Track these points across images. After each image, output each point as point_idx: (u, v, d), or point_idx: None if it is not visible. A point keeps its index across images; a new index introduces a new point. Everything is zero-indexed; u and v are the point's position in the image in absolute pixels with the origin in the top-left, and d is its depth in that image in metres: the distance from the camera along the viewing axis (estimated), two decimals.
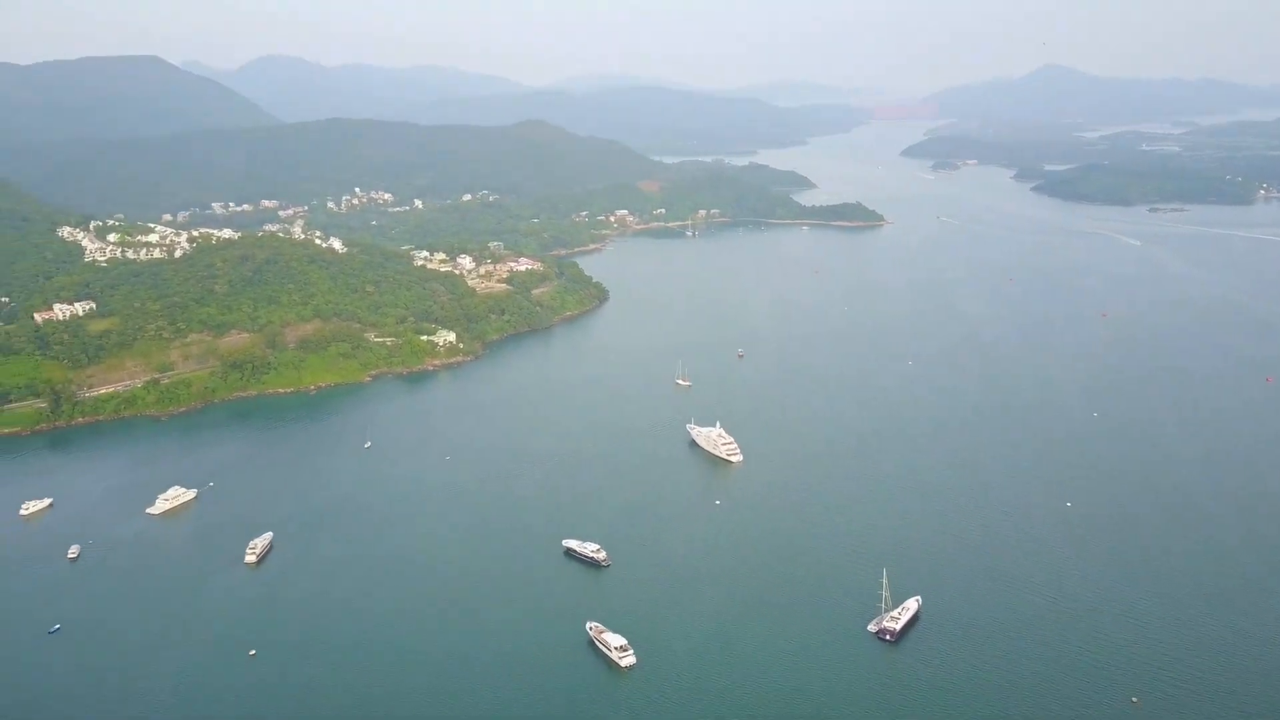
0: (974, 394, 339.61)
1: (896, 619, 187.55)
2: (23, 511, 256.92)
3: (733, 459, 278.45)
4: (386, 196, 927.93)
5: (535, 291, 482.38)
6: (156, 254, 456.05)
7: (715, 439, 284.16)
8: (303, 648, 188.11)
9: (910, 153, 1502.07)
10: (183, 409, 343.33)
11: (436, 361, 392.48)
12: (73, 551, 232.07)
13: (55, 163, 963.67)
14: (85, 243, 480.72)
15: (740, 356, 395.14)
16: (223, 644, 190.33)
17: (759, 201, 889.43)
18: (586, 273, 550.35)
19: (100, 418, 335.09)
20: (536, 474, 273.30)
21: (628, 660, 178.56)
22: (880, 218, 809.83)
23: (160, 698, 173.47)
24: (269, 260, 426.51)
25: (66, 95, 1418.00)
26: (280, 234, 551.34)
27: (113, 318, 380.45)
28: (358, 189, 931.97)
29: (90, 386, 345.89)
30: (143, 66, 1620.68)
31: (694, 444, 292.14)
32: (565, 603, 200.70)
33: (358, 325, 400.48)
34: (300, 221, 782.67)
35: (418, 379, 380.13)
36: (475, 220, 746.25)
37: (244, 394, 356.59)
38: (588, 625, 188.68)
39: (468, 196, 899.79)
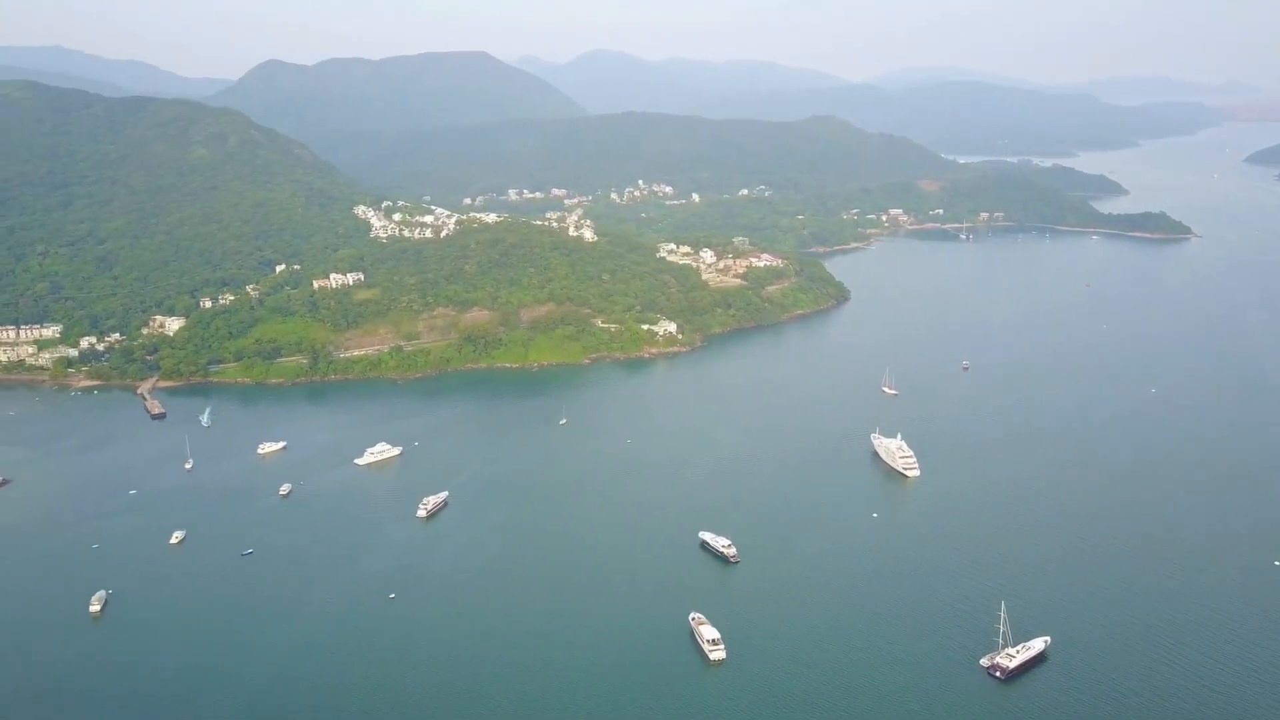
0: (1215, 436, 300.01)
1: (1012, 656, 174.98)
2: (260, 451, 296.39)
3: (909, 473, 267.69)
4: (667, 189, 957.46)
5: (769, 288, 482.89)
6: (428, 234, 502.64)
7: (894, 451, 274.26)
8: (434, 599, 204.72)
9: (1258, 159, 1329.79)
10: (419, 375, 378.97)
11: (654, 350, 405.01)
12: (284, 489, 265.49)
13: (384, 148, 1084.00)
14: (373, 220, 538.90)
15: (965, 368, 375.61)
16: (371, 584, 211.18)
17: (1049, 207, 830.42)
18: (839, 272, 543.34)
19: (349, 377, 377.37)
20: (705, 464, 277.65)
21: (717, 655, 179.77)
22: (1186, 229, 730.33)
23: (303, 620, 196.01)
24: (516, 245, 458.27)
25: (407, 87, 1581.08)
26: (542, 222, 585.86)
27: (375, 289, 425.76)
28: (641, 181, 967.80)
29: (346, 348, 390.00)
30: (474, 62, 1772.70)
31: (876, 454, 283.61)
32: (681, 591, 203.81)
33: (587, 311, 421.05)
34: (578, 210, 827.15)
35: (633, 365, 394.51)
36: (739, 215, 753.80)
37: (474, 366, 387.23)
38: (691, 616, 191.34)
39: (744, 191, 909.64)
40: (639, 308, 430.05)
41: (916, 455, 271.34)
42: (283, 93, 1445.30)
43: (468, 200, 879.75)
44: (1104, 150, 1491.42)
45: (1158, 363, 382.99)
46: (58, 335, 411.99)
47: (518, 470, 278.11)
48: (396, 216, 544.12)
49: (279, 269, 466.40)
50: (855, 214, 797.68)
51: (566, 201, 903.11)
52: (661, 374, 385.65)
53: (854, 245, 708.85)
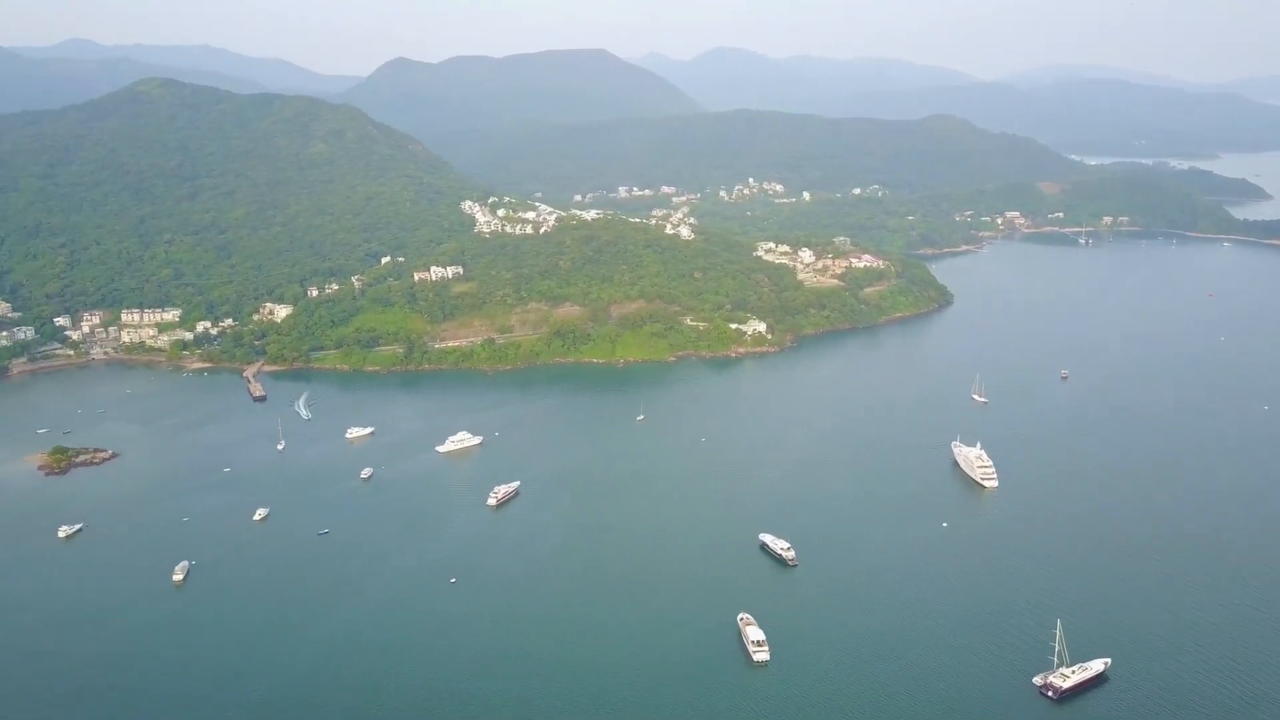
0: None
1: (1066, 676, 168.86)
2: (348, 435, 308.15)
3: (986, 484, 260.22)
4: (778, 187, 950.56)
5: (867, 290, 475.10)
6: (528, 230, 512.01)
7: (973, 460, 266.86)
8: (493, 586, 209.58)
9: None
10: (508, 367, 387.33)
11: (741, 349, 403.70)
12: (365, 473, 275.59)
13: (502, 144, 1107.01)
14: (478, 216, 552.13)
15: (1064, 378, 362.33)
16: (435, 568, 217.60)
17: (1180, 211, 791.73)
18: (946, 274, 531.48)
19: (442, 367, 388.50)
20: (776, 466, 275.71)
21: (760, 656, 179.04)
22: None
23: (365, 598, 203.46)
24: (610, 242, 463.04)
25: (527, 85, 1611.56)
26: (641, 220, 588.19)
27: (472, 282, 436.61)
28: (751, 179, 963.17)
29: (441, 339, 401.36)
30: (594, 60, 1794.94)
31: (956, 464, 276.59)
32: (734, 591, 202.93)
33: (676, 308, 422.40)
34: (684, 208, 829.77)
35: (719, 364, 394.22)
36: (848, 214, 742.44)
37: (562, 360, 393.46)
38: (739, 616, 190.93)
39: (857, 190, 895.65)
40: (729, 306, 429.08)
41: (997, 466, 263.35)
42: (408, 89, 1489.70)
43: (578, 197, 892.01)
44: (1250, 153, 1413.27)
45: (1277, 379, 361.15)
46: (176, 319, 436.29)
47: (589, 464, 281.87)
48: (500, 212, 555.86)
49: (384, 261, 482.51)
50: (969, 215, 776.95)
51: (675, 199, 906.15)
52: (746, 374, 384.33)
53: (965, 248, 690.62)
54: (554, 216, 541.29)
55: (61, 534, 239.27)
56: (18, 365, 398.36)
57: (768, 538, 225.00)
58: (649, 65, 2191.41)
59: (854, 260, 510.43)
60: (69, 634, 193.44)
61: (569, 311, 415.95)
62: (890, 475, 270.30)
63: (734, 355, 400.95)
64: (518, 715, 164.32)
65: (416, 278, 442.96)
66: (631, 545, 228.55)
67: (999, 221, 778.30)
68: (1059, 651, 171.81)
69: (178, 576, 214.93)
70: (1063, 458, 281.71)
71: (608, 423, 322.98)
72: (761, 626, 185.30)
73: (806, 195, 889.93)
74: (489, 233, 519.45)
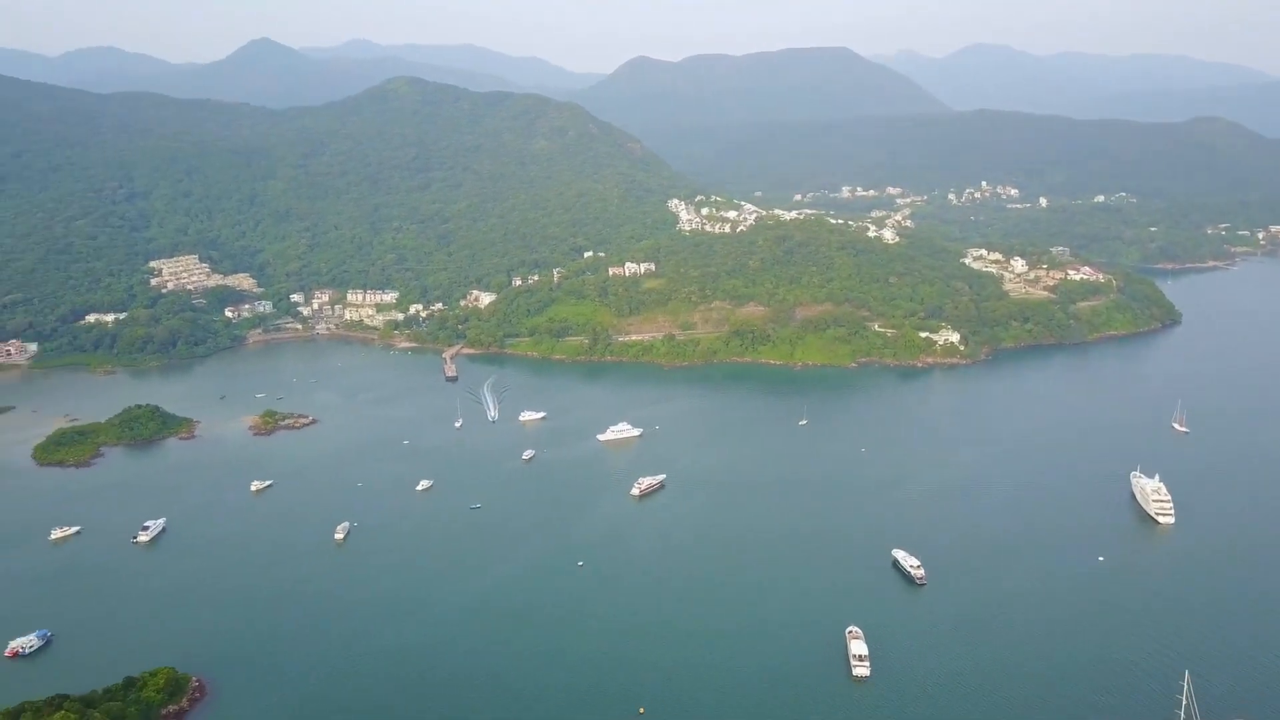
0: None
1: None
2: (521, 418, 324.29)
3: (1160, 519, 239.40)
4: (1012, 191, 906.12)
5: (1080, 304, 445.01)
6: (726, 229, 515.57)
7: (1149, 493, 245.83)
8: (617, 574, 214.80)
9: None
10: (685, 363, 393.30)
11: (929, 359, 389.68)
12: (527, 455, 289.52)
13: (732, 142, 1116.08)
14: (682, 214, 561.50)
15: None
16: (567, 551, 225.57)
17: None
18: (1181, 292, 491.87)
19: (623, 359, 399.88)
20: (930, 482, 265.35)
21: (860, 671, 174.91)
22: None
23: (495, 571, 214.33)
24: (803, 243, 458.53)
25: (766, 83, 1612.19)
26: (847, 222, 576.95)
27: (662, 279, 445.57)
28: (984, 182, 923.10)
29: (625, 333, 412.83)
30: (835, 58, 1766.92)
31: (1133, 496, 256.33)
32: (852, 603, 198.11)
33: (865, 313, 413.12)
34: (906, 210, 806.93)
35: (904, 373, 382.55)
36: (1080, 223, 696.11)
37: (739, 359, 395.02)
38: (847, 629, 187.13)
39: (1100, 197, 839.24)
40: (922, 314, 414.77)
41: (1180, 502, 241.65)
42: (647, 87, 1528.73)
43: (798, 196, 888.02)
44: None
45: None
46: (393, 301, 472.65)
47: (739, 463, 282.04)
48: (704, 211, 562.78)
49: (586, 255, 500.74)
50: (1224, 229, 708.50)
51: (898, 200, 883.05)
52: (930, 385, 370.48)
53: (1211, 263, 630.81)
54: (754, 216, 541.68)
55: (254, 488, 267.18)
56: (254, 335, 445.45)
57: (900, 554, 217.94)
58: (899, 63, 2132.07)
59: (1070, 272, 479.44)
60: (242, 576, 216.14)
61: (752, 311, 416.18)
62: (1055, 503, 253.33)
63: (920, 365, 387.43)
64: (604, 704, 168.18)
65: (611, 272, 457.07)
66: (762, 547, 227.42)
67: (1260, 236, 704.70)
68: (1186, 706, 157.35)
69: (339, 535, 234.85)
70: (1257, 499, 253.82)
71: (769, 425, 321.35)
72: (870, 642, 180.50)
73: (1043, 201, 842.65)
74: (689, 231, 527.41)
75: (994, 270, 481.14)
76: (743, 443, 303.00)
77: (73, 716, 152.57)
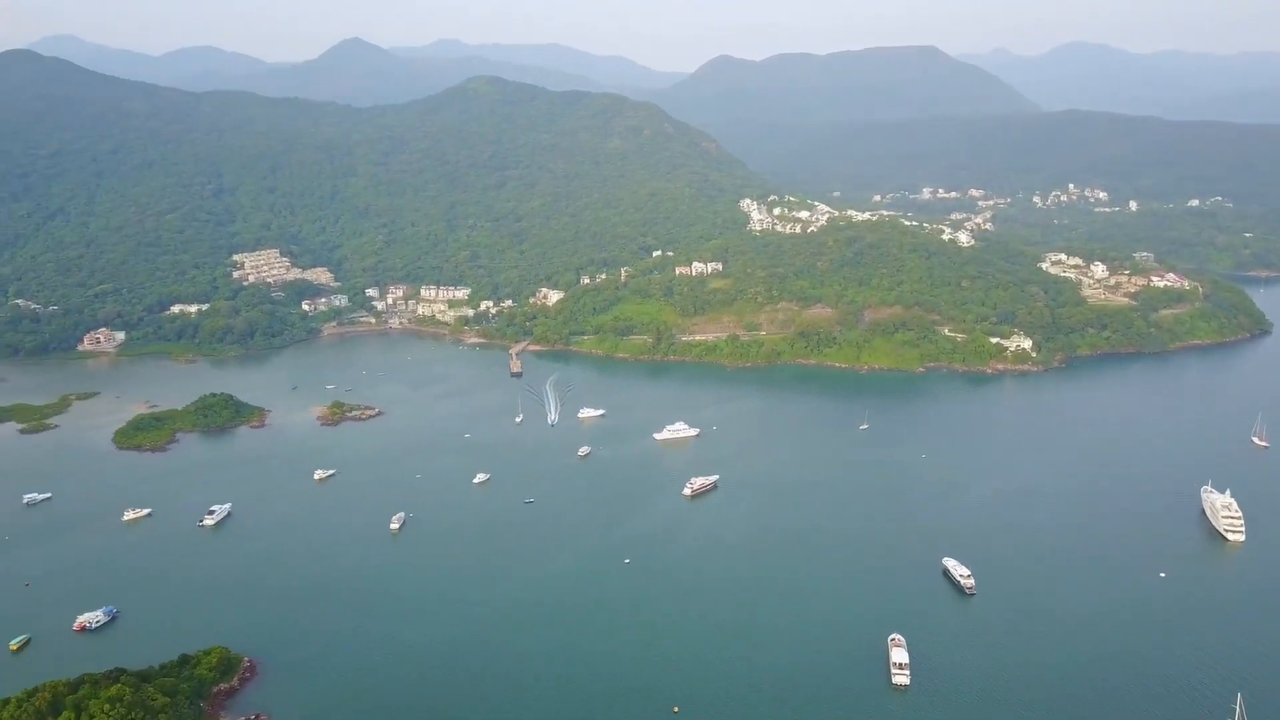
0: None
1: None
2: (579, 415, 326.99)
3: (1230, 536, 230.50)
4: (1100, 194, 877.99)
5: (1162, 312, 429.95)
6: (796, 229, 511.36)
7: (1219, 509, 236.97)
8: (662, 572, 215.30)
9: None
10: (748, 364, 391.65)
11: (1000, 365, 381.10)
12: (583, 451, 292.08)
13: (811, 141, 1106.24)
14: (753, 214, 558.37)
15: None
16: (615, 547, 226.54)
17: None
18: (1273, 300, 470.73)
19: (686, 359, 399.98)
20: (987, 491, 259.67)
21: (900, 679, 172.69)
22: None
23: (543, 566, 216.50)
24: (873, 245, 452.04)
25: (849, 82, 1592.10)
26: (916, 223, 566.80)
27: (728, 279, 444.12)
28: (1071, 185, 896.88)
29: (689, 332, 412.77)
30: (920, 57, 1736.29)
31: (1204, 511, 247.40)
32: (898, 611, 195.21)
33: (935, 317, 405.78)
34: (987, 213, 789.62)
35: (972, 379, 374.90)
36: (1170, 228, 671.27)
37: (804, 361, 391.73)
38: (890, 637, 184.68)
39: (1194, 202, 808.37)
40: (994, 319, 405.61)
41: (1253, 519, 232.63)
42: (728, 86, 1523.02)
43: (876, 197, 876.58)
44: None
45: None
46: (465, 297, 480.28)
47: (794, 466, 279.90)
48: (776, 211, 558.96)
49: (654, 254, 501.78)
50: None
51: (980, 203, 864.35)
52: (998, 391, 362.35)
53: None
54: (825, 217, 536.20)
55: (317, 476, 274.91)
56: (329, 328, 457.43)
57: (951, 563, 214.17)
58: (992, 62, 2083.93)
59: (1153, 278, 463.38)
60: (298, 561, 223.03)
61: (819, 313, 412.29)
62: (1119, 516, 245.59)
63: (990, 371, 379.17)
64: (640, 701, 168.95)
65: (677, 272, 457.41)
66: (810, 551, 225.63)
67: None
68: None
69: (394, 525, 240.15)
70: None
71: (828, 428, 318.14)
72: (912, 651, 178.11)
73: (1133, 205, 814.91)
74: (759, 231, 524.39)
75: (1072, 275, 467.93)
76: (800, 446, 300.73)
77: (128, 690, 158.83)
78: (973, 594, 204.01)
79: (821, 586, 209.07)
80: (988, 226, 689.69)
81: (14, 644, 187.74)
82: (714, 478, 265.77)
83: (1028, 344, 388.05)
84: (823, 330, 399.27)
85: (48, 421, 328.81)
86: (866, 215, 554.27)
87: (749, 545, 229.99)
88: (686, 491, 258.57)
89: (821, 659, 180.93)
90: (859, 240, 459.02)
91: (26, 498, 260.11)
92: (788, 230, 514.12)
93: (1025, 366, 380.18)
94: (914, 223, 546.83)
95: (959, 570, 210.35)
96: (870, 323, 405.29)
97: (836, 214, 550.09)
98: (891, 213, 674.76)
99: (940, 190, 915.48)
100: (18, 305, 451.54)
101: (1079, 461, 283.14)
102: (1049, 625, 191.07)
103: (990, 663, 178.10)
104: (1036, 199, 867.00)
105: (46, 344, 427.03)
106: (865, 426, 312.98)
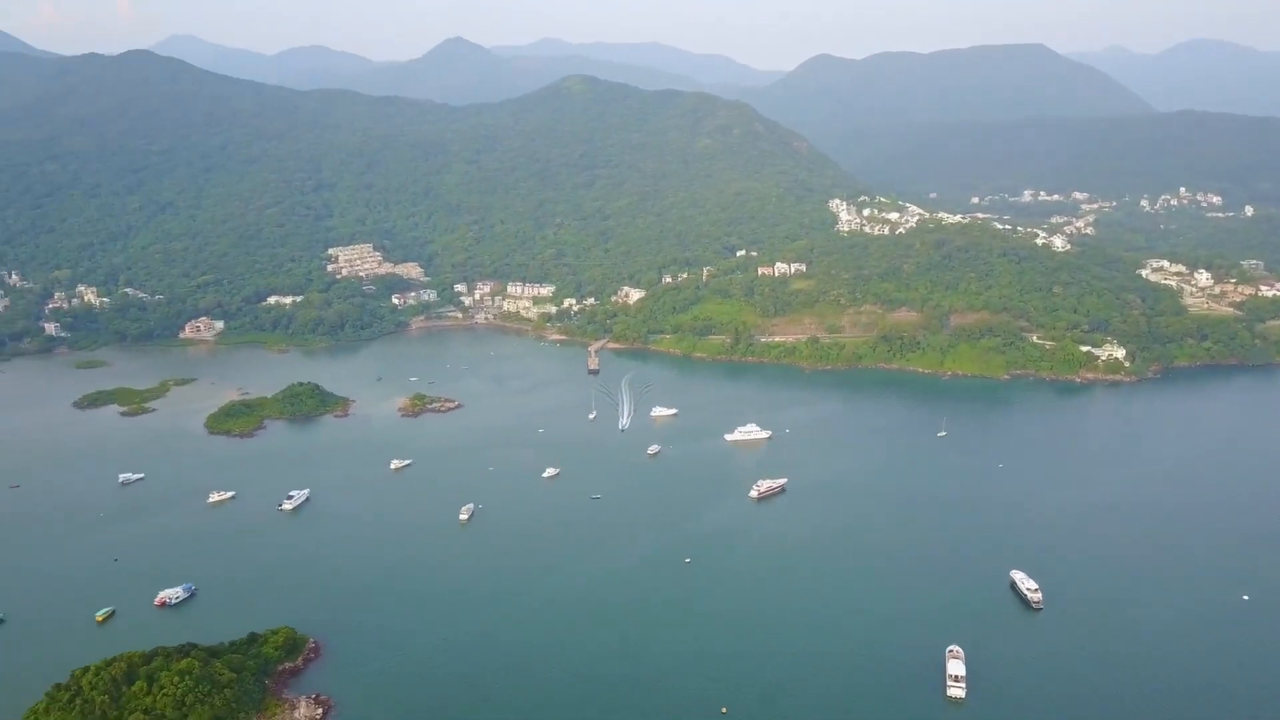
0: None
1: None
2: (652, 413, 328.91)
3: None
4: (1214, 199, 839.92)
5: (1269, 323, 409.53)
6: (884, 231, 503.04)
7: None
8: (721, 574, 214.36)
9: None
10: (828, 367, 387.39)
11: (1090, 375, 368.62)
12: (652, 449, 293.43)
13: (912, 142, 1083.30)
14: (842, 214, 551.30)
15: None
16: (677, 546, 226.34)
17: None
18: None
19: (764, 360, 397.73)
20: (1061, 504, 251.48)
21: (955, 691, 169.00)
22: None
23: (602, 561, 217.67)
24: (962, 248, 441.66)
25: (954, 82, 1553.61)
26: (1010, 227, 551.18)
27: (811, 280, 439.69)
28: (1183, 189, 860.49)
29: (769, 333, 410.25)
30: (1028, 55, 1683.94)
31: None
32: (959, 622, 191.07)
33: (1023, 323, 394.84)
34: (1090, 216, 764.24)
35: (1060, 388, 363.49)
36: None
37: (885, 366, 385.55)
38: (948, 648, 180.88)
39: None
40: (1085, 326, 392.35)
41: None
42: (827, 85, 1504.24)
43: (975, 199, 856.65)
44: None
45: None
46: (549, 295, 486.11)
47: (865, 472, 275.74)
48: (865, 212, 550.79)
49: (738, 254, 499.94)
50: None
51: (1084, 206, 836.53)
52: (1086, 402, 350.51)
53: None
54: (915, 218, 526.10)
55: (393, 466, 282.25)
56: (417, 322, 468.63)
57: (1019, 575, 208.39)
58: (1106, 60, 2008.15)
59: (1262, 287, 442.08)
60: (369, 547, 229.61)
61: (903, 317, 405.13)
62: (1203, 534, 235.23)
63: (1079, 380, 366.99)
64: (689, 700, 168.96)
65: (760, 272, 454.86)
66: (874, 557, 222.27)
67: None
68: None
69: (463, 516, 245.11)
70: None
71: (904, 434, 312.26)
72: (971, 664, 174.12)
73: (1248, 210, 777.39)
74: (847, 232, 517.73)
75: (1173, 283, 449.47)
76: (873, 451, 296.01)
77: (196, 665, 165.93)
78: (1040, 609, 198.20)
79: (882, 593, 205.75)
80: (1088, 231, 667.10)
81: (100, 615, 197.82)
82: (782, 480, 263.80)
83: (1121, 353, 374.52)
84: (906, 334, 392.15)
85: (147, 405, 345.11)
86: (958, 218, 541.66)
87: (811, 549, 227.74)
88: (753, 493, 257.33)
89: (876, 666, 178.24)
90: (947, 243, 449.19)
91: (122, 477, 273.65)
92: (876, 232, 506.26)
93: (1117, 376, 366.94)
94: (1007, 226, 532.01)
95: (1027, 584, 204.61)
96: (955, 328, 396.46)
97: (926, 216, 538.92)
98: (987, 215, 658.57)
99: (1042, 193, 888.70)
100: (126, 294, 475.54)
101: (1167, 478, 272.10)
102: (1118, 646, 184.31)
103: (1052, 681, 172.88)
104: (1144, 203, 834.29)
105: (151, 331, 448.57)
106: (943, 434, 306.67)
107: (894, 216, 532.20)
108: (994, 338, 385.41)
